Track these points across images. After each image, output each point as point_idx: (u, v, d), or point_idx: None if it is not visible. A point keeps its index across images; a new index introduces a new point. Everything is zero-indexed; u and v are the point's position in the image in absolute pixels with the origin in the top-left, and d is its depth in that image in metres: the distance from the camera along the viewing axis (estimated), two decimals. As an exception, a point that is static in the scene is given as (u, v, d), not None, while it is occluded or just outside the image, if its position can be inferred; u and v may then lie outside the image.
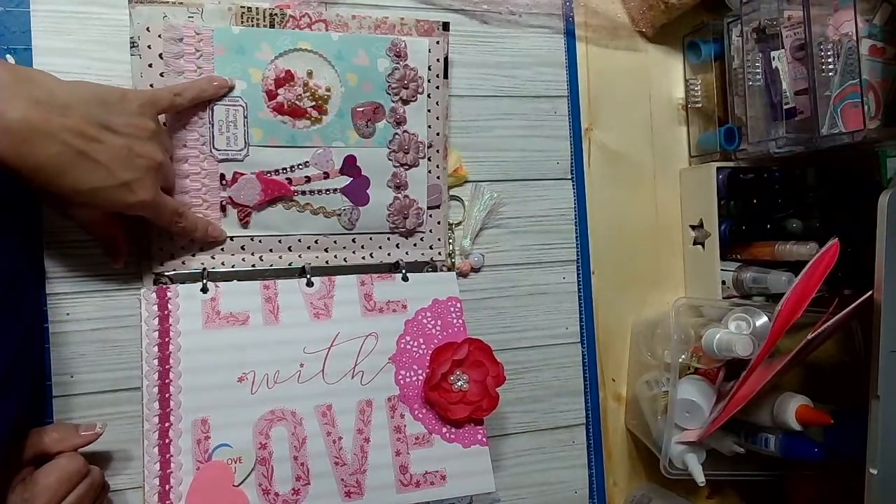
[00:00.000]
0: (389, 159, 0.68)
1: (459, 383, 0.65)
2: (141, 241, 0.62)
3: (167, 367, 0.59)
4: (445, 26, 0.69)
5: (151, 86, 0.60)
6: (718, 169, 0.75)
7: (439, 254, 0.71)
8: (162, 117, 0.59)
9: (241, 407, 0.60)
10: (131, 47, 0.60)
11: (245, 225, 0.64)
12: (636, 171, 0.80)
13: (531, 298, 0.75)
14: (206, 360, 0.60)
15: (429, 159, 0.70)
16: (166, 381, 0.59)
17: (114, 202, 0.53)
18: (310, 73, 0.65)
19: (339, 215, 0.67)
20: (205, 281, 0.62)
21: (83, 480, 0.54)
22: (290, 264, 0.66)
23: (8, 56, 0.59)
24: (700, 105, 0.80)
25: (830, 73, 0.66)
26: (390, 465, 0.62)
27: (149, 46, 0.60)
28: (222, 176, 0.63)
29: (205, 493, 0.57)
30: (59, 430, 0.56)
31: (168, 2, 0.60)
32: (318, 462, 0.60)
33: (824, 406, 0.68)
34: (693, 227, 0.79)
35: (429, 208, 0.70)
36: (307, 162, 0.65)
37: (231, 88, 0.62)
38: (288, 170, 0.65)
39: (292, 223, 0.66)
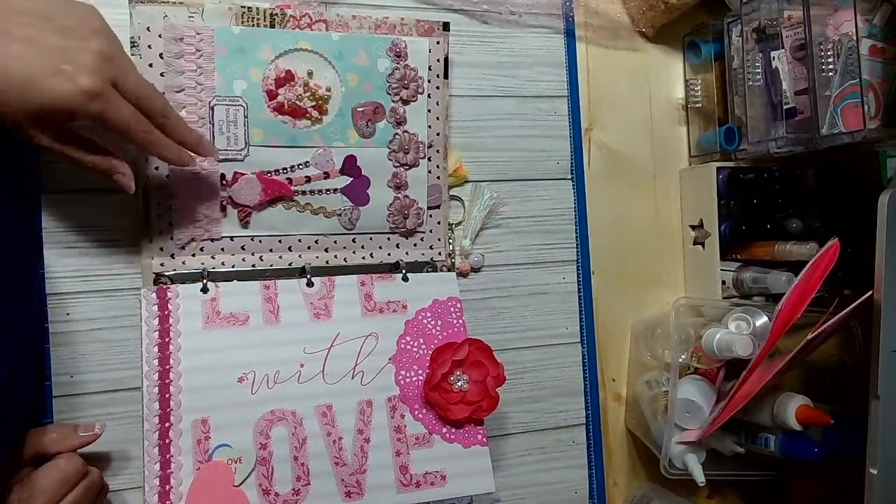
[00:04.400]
0: (389, 159, 0.68)
1: (459, 383, 0.65)
2: (141, 241, 0.62)
3: (167, 367, 0.59)
4: (445, 26, 0.69)
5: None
6: (718, 169, 0.75)
7: (439, 254, 0.71)
8: None
9: (241, 407, 0.60)
10: (131, 47, 0.60)
11: (245, 225, 0.64)
12: (636, 171, 0.80)
13: (531, 298, 0.75)
14: (206, 360, 0.60)
15: (429, 159, 0.70)
16: (166, 381, 0.59)
17: (53, 96, 0.47)
18: (310, 73, 0.65)
19: (340, 215, 0.67)
20: (205, 281, 0.62)
21: (81, 481, 0.54)
22: (290, 264, 0.66)
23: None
24: (700, 105, 0.80)
25: (830, 73, 0.66)
26: (390, 466, 0.62)
27: (149, 46, 0.60)
28: (222, 176, 0.63)
29: (205, 493, 0.57)
30: (57, 431, 0.56)
31: (169, 1, 0.60)
32: (319, 462, 0.60)
33: (824, 406, 0.68)
34: (693, 227, 0.79)
35: (429, 208, 0.70)
36: (307, 162, 0.65)
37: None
38: (288, 170, 0.65)
39: (292, 223, 0.66)
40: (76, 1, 0.50)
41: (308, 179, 0.65)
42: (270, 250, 0.66)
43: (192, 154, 0.58)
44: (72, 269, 0.61)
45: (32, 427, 0.55)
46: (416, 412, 0.64)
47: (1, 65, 0.46)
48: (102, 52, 0.49)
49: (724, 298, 0.75)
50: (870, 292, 0.61)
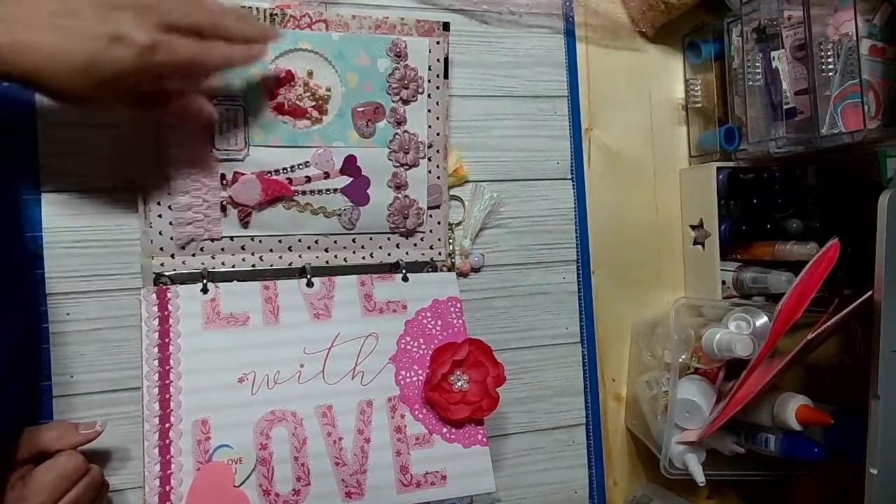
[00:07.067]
0: (389, 159, 0.68)
1: (459, 383, 0.65)
2: (141, 241, 0.62)
3: (167, 367, 0.59)
4: (446, 26, 0.69)
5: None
6: (718, 169, 0.75)
7: (439, 254, 0.71)
8: None
9: (241, 407, 0.60)
10: (131, 47, 0.60)
11: (245, 225, 0.64)
12: (636, 171, 0.80)
13: (531, 298, 0.75)
14: (206, 360, 0.60)
15: (429, 159, 0.70)
16: (167, 381, 0.59)
17: (117, 64, 0.48)
18: (310, 73, 0.65)
19: (340, 215, 0.67)
20: (205, 281, 0.62)
21: (82, 478, 0.54)
22: (290, 264, 0.66)
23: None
24: (700, 105, 0.80)
25: (830, 73, 0.66)
26: (391, 466, 0.62)
27: (149, 46, 0.60)
28: (223, 176, 0.63)
29: (205, 493, 0.57)
30: (58, 428, 0.56)
31: (168, 2, 0.60)
32: (319, 462, 0.60)
33: (824, 406, 0.68)
34: (693, 227, 0.79)
35: (429, 208, 0.70)
36: (307, 162, 0.65)
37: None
38: (288, 170, 0.65)
39: (292, 223, 0.66)
40: None
41: (308, 179, 0.65)
42: (270, 250, 0.66)
43: (263, 45, 0.57)
44: (72, 269, 0.61)
45: (31, 426, 0.55)
46: (417, 412, 0.64)
47: (61, 50, 0.46)
48: (146, 3, 0.49)
49: (724, 298, 0.75)
50: (870, 292, 0.61)
